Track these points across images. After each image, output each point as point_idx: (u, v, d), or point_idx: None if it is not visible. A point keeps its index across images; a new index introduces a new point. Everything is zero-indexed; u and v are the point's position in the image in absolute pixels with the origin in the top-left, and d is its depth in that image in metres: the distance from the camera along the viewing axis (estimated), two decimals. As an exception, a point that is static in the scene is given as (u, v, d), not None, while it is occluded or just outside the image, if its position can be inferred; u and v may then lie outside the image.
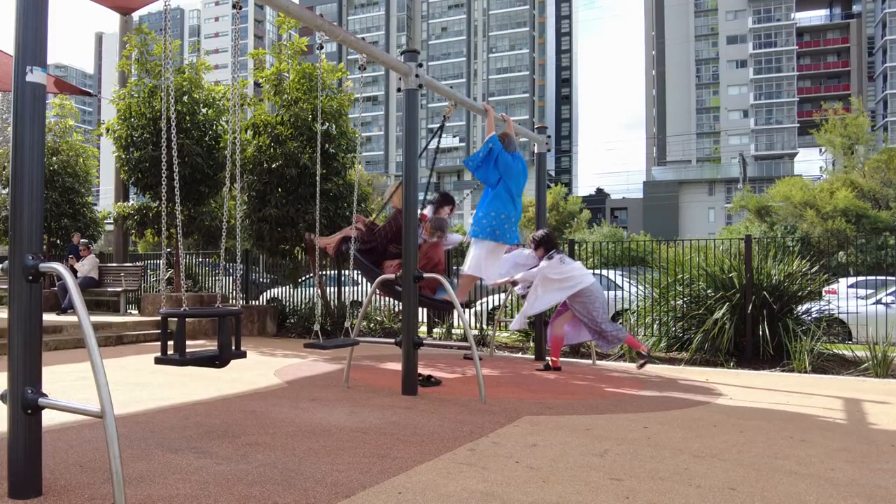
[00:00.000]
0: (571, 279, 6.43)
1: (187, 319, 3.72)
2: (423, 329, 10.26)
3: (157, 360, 3.42)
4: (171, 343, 3.49)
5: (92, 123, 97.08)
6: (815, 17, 69.79)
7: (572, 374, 6.57)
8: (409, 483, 2.85)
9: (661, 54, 70.01)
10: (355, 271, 8.88)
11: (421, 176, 6.11)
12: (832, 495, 2.78)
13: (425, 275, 5.31)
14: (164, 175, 3.65)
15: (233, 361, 3.63)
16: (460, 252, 9.42)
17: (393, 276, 5.43)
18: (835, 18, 69.56)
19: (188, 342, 3.60)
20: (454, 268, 10.93)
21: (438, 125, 6.42)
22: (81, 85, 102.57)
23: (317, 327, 5.07)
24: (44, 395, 2.55)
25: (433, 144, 6.68)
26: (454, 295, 5.22)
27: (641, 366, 6.59)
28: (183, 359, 3.38)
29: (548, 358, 6.94)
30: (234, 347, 3.61)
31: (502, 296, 9.80)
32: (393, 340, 5.37)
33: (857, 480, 3.01)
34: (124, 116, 10.47)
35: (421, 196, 6.48)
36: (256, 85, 11.24)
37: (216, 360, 3.49)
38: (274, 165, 9.69)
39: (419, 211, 6.38)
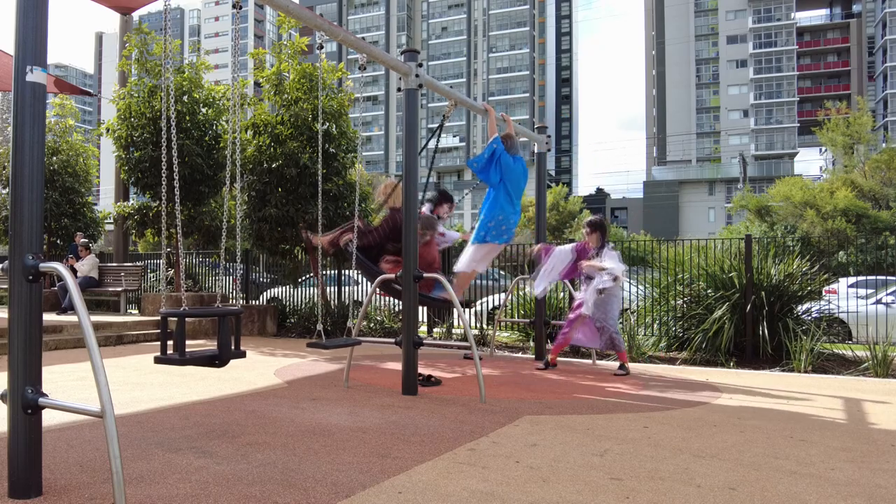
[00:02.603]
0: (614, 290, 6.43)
1: (187, 319, 3.72)
2: (423, 329, 10.26)
3: (157, 360, 3.41)
4: (170, 343, 3.49)
5: (92, 123, 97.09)
6: (815, 16, 69.79)
7: (572, 374, 6.57)
8: (409, 483, 2.85)
9: (661, 54, 70.00)
10: (355, 271, 8.88)
11: (420, 176, 6.10)
12: (832, 495, 2.78)
13: (425, 275, 5.31)
14: (164, 175, 3.65)
15: (233, 361, 3.62)
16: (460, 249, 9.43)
17: (393, 276, 5.44)
18: (835, 18, 69.55)
19: (188, 342, 3.60)
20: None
21: (438, 124, 6.42)
22: (81, 85, 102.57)
23: (319, 327, 5.08)
24: (44, 395, 2.55)
25: (432, 144, 6.67)
26: (453, 293, 5.21)
27: (620, 374, 6.59)
28: (183, 358, 3.38)
29: (548, 356, 6.94)
30: (233, 347, 3.61)
31: (502, 296, 9.80)
32: (393, 340, 5.37)
33: (857, 480, 3.01)
34: (124, 116, 10.48)
35: (420, 196, 6.48)
36: (256, 85, 11.24)
37: (216, 360, 3.49)
38: (274, 165, 9.70)
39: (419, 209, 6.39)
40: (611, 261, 6.37)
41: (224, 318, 3.50)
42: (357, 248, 5.92)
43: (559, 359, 7.20)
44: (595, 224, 6.62)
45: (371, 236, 6.06)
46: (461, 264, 6.46)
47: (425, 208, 6.68)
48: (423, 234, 6.11)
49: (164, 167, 3.65)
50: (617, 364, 6.75)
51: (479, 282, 11.49)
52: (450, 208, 6.78)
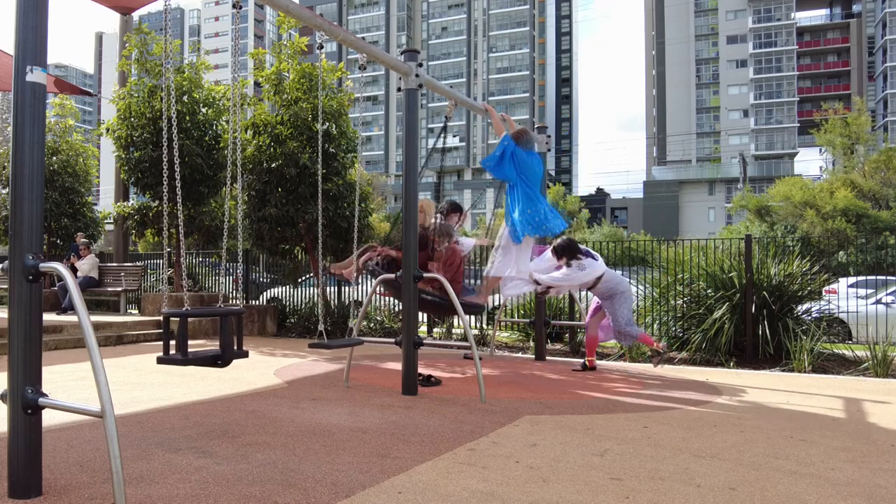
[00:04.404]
0: (623, 293, 6.48)
1: (188, 319, 3.72)
2: (423, 329, 10.26)
3: (160, 360, 3.41)
4: (172, 343, 3.49)
5: (92, 123, 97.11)
6: (815, 16, 69.78)
7: (572, 373, 6.57)
8: (409, 483, 2.85)
9: (661, 54, 69.99)
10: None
11: (423, 176, 6.09)
12: (832, 495, 2.78)
13: (425, 274, 5.31)
14: (164, 175, 3.65)
15: (233, 361, 3.63)
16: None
17: (393, 276, 5.43)
18: (835, 18, 69.54)
19: (188, 342, 3.60)
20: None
21: (441, 125, 6.41)
22: (81, 85, 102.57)
23: (321, 327, 5.09)
24: (44, 395, 2.55)
25: (438, 144, 6.66)
26: (455, 297, 5.22)
27: (657, 363, 6.62)
28: (185, 358, 3.38)
29: (584, 359, 6.90)
30: (236, 347, 3.61)
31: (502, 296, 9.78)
32: (393, 340, 5.37)
33: (857, 480, 3.01)
34: (124, 116, 10.48)
35: (421, 196, 6.47)
36: (256, 85, 11.24)
37: (218, 360, 3.49)
38: (273, 165, 9.70)
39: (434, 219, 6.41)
40: (559, 273, 6.54)
41: (226, 318, 3.50)
42: (377, 263, 5.93)
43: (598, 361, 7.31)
44: (557, 249, 6.63)
45: (394, 248, 6.08)
46: (492, 268, 6.37)
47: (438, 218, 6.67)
48: (441, 242, 6.11)
49: (164, 167, 3.65)
50: (628, 366, 6.81)
51: (478, 282, 11.48)
52: (460, 218, 6.72)
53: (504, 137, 6.15)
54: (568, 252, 6.59)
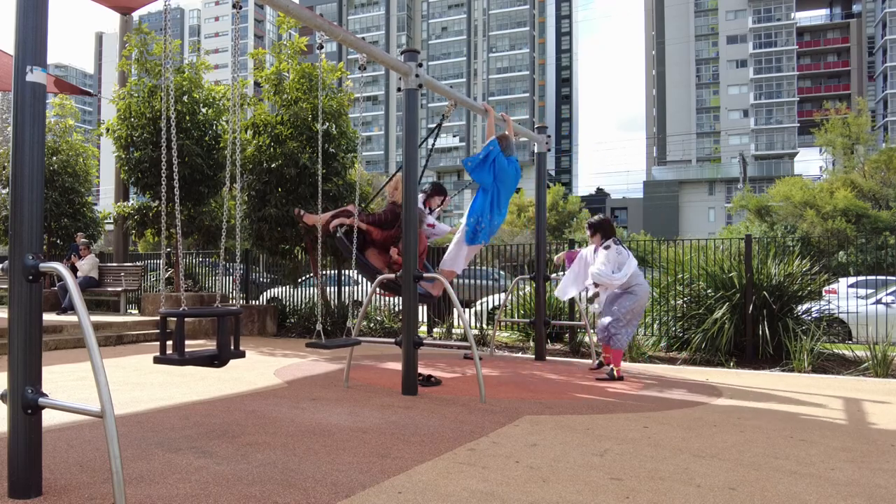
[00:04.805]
0: (631, 288, 6.12)
1: (187, 319, 3.72)
2: (423, 329, 10.26)
3: (157, 360, 3.41)
4: (170, 343, 3.49)
5: (92, 123, 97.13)
6: (815, 16, 69.77)
7: (572, 374, 6.57)
8: (409, 483, 2.85)
9: (661, 54, 69.99)
10: (354, 270, 8.88)
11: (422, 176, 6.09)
12: (832, 495, 2.78)
13: (425, 275, 5.31)
14: (163, 175, 3.65)
15: (233, 361, 3.62)
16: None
17: (393, 276, 5.43)
18: (835, 18, 69.54)
19: (188, 342, 3.60)
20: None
21: (437, 123, 6.41)
22: (81, 85, 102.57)
23: (319, 327, 5.08)
24: (44, 395, 2.55)
25: (430, 142, 6.65)
26: (455, 297, 5.22)
27: (598, 369, 6.54)
28: (182, 358, 3.37)
29: (607, 365, 6.46)
30: (233, 347, 3.61)
31: (502, 296, 9.79)
32: (393, 340, 5.37)
33: (857, 480, 3.01)
34: (124, 116, 10.48)
35: (421, 197, 6.47)
36: (256, 85, 11.24)
37: (215, 360, 3.49)
38: (273, 165, 9.70)
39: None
40: (598, 265, 6.17)
41: (223, 318, 3.49)
42: (345, 232, 5.88)
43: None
44: (592, 225, 6.49)
45: (365, 218, 6.01)
46: (447, 262, 6.39)
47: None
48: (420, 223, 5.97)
49: (164, 167, 3.65)
50: (628, 366, 6.67)
51: (479, 282, 11.49)
52: (442, 202, 6.73)
53: (491, 142, 6.15)
54: (602, 229, 6.37)
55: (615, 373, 6.06)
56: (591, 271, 6.22)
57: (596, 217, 6.66)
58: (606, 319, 6.16)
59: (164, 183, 3.70)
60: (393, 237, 5.97)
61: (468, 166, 6.25)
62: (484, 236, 6.22)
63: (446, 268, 6.35)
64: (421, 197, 6.59)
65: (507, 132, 6.43)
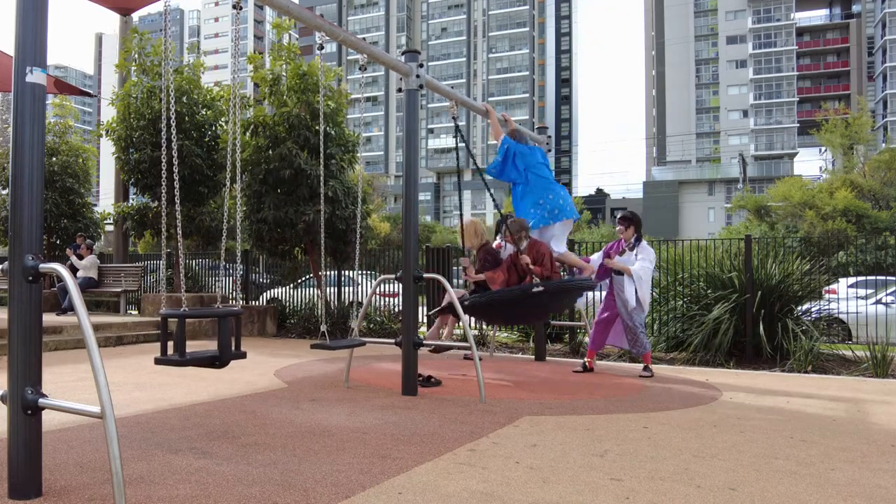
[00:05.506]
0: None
1: (187, 320, 3.71)
2: (423, 329, 10.24)
3: (157, 361, 3.41)
4: (170, 343, 3.49)
5: (92, 124, 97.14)
6: (814, 17, 69.81)
7: (573, 374, 6.57)
8: (409, 483, 2.85)
9: (661, 54, 70.01)
10: (355, 271, 8.88)
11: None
12: (832, 495, 2.78)
13: (424, 275, 5.31)
14: (163, 176, 3.65)
15: (233, 362, 3.62)
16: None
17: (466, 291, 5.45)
18: (835, 18, 69.58)
19: (188, 342, 3.60)
20: (455, 268, 10.92)
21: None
22: (81, 85, 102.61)
23: (324, 328, 5.09)
24: (44, 396, 2.55)
25: (460, 144, 6.53)
26: (455, 297, 5.22)
27: (644, 377, 6.59)
28: (183, 359, 3.37)
29: (584, 359, 6.77)
30: (234, 348, 3.61)
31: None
32: (393, 341, 5.37)
33: (857, 480, 3.01)
34: (123, 117, 10.48)
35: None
36: (255, 85, 11.26)
37: (216, 361, 3.49)
38: (270, 167, 9.69)
39: (495, 241, 6.41)
40: (641, 261, 6.28)
41: (224, 318, 3.49)
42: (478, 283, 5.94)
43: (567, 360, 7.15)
44: (627, 219, 6.48)
45: (482, 270, 6.04)
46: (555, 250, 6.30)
47: (497, 240, 6.58)
48: (520, 240, 5.86)
49: (164, 168, 3.64)
50: (628, 366, 6.70)
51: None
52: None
53: (503, 140, 6.16)
54: (637, 223, 6.46)
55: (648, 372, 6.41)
56: (635, 270, 6.29)
57: (629, 211, 6.67)
58: (638, 331, 6.34)
59: (163, 184, 3.69)
60: (508, 271, 5.91)
61: (492, 173, 6.21)
62: (565, 211, 6.09)
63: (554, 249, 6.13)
64: (500, 238, 6.48)
65: (513, 128, 6.46)
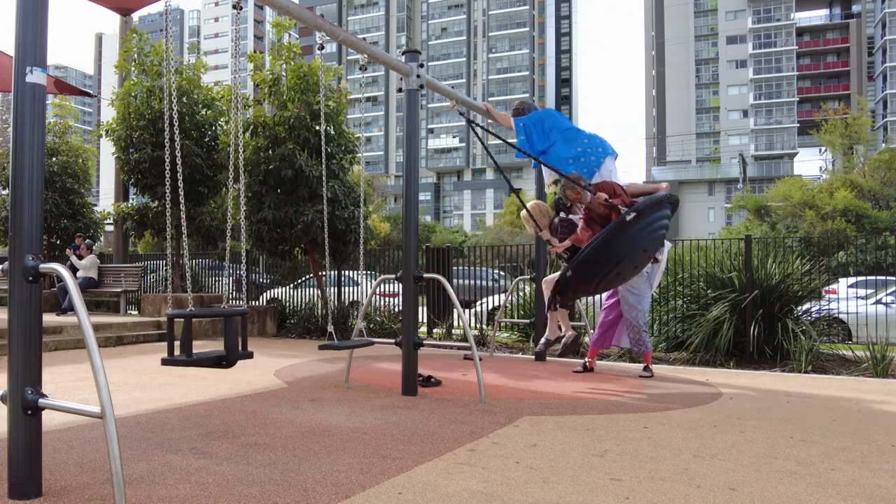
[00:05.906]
0: (635, 288, 6.27)
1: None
2: (423, 329, 10.25)
3: (164, 361, 3.41)
4: (177, 343, 3.48)
5: (91, 124, 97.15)
6: (814, 17, 69.81)
7: (573, 374, 6.57)
8: (409, 483, 2.85)
9: (661, 54, 70.01)
10: (355, 271, 8.89)
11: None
12: (832, 495, 2.78)
13: (424, 275, 5.31)
14: (167, 175, 3.65)
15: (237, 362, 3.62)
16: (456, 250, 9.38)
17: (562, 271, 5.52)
18: (835, 18, 69.57)
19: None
20: (455, 268, 10.93)
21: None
22: (81, 85, 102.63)
23: (330, 328, 5.11)
24: (44, 396, 2.55)
25: (485, 140, 6.63)
26: (455, 297, 5.22)
27: (644, 377, 6.58)
28: (190, 359, 3.37)
29: (584, 360, 6.82)
30: (240, 348, 3.60)
31: (502, 296, 9.79)
32: (393, 341, 5.37)
33: (857, 480, 3.01)
34: (123, 117, 10.48)
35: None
36: (256, 86, 11.26)
37: (223, 361, 3.48)
38: (270, 167, 9.69)
39: (553, 218, 6.40)
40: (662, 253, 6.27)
41: (230, 318, 3.49)
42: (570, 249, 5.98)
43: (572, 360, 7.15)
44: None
45: (568, 235, 6.08)
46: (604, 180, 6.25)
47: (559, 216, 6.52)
48: (583, 192, 5.72)
49: (167, 167, 3.64)
50: (628, 365, 6.70)
51: (478, 282, 11.49)
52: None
53: (515, 121, 6.29)
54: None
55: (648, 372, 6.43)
56: (662, 260, 6.34)
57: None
58: (642, 331, 6.35)
59: (167, 184, 3.69)
60: (580, 226, 5.96)
61: (525, 148, 6.23)
62: (606, 149, 6.14)
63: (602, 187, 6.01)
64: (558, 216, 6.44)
65: (515, 107, 6.55)
